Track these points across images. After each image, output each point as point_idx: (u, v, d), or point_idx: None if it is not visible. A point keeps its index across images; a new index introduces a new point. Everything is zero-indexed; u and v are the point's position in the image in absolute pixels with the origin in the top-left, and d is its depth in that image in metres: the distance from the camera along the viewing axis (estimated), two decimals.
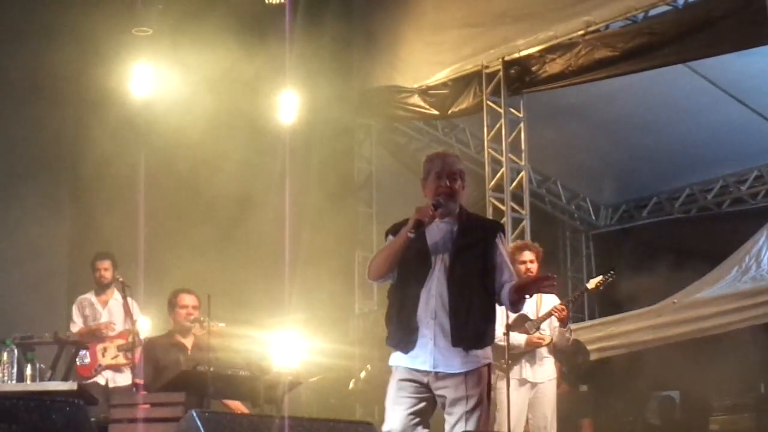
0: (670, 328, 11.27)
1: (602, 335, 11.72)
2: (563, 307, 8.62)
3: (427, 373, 5.52)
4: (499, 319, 8.33)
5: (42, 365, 7.46)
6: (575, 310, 13.57)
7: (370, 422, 5.66)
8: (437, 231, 5.61)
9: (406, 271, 5.58)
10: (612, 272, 9.25)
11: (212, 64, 11.71)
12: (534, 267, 8.65)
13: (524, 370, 8.65)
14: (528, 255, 8.74)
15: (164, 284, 9.44)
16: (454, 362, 5.51)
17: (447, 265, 5.52)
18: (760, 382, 11.32)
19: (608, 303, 13.28)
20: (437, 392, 5.54)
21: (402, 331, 5.55)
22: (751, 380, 11.07)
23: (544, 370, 8.77)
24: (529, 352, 8.60)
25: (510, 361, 8.62)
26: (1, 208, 11.21)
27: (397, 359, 5.61)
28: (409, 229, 5.47)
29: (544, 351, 8.77)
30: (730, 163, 13.94)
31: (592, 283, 8.92)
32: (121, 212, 11.24)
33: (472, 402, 5.55)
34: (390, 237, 5.66)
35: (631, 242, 13.87)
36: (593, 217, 15.84)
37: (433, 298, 5.49)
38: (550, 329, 8.78)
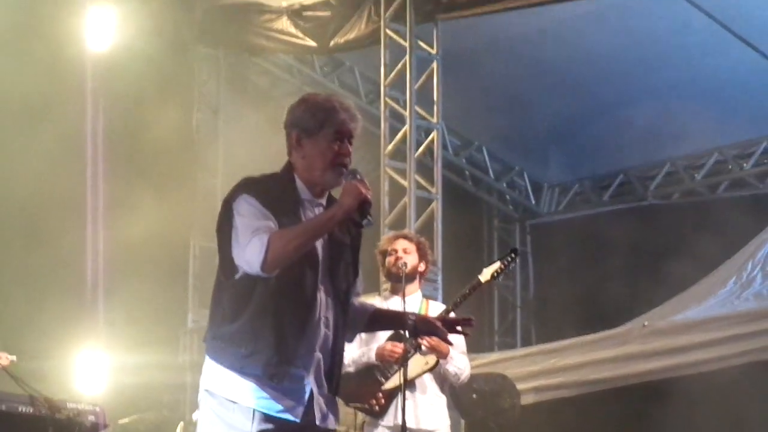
0: (638, 361, 10.21)
1: (539, 369, 10.74)
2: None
3: (295, 425, 4.49)
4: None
5: None
6: (501, 334, 14.16)
7: None
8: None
9: (293, 273, 4.53)
10: (513, 254, 8.02)
11: None
12: (411, 258, 7.74)
13: (399, 413, 7.38)
14: (403, 243, 7.83)
15: None
16: (331, 412, 4.69)
17: (331, 275, 4.58)
18: None
19: (549, 324, 13.26)
20: None
21: (279, 357, 4.46)
22: None
23: (435, 414, 7.63)
24: (406, 387, 7.36)
25: (383, 401, 7.62)
26: None
27: (258, 399, 4.44)
28: (349, 210, 4.40)
29: (432, 389, 7.68)
30: (730, 130, 12.27)
31: (486, 273, 7.68)
32: None
33: None
34: (257, 204, 4.39)
35: (585, 237, 12.92)
36: (532, 201, 14.56)
37: (321, 321, 4.56)
38: None
